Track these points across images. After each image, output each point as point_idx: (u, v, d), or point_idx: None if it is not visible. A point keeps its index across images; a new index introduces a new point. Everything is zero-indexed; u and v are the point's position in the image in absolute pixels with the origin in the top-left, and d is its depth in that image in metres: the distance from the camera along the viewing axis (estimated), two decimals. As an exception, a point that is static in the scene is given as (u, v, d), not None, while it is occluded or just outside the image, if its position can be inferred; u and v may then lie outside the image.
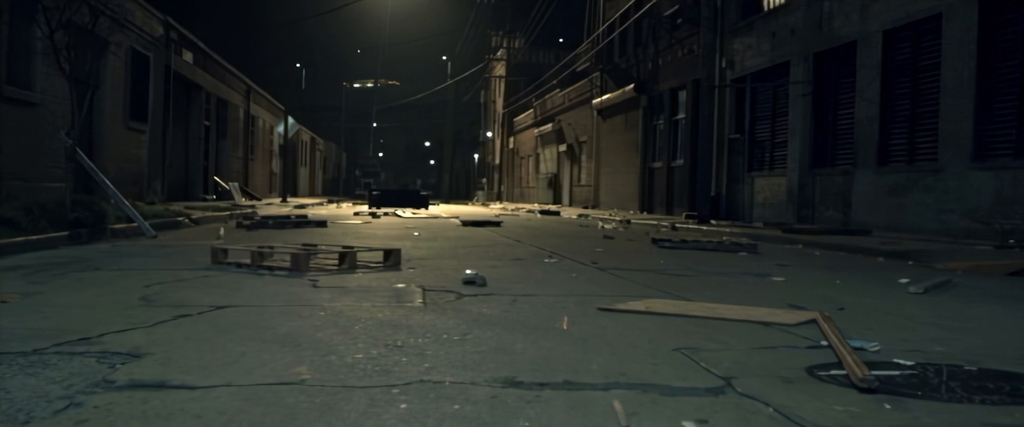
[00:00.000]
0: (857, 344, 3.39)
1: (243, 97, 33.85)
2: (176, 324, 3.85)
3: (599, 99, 32.57)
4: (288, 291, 5.18)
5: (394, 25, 75.35)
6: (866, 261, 9.57)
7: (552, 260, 8.04)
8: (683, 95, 25.09)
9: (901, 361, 3.13)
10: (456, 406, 2.41)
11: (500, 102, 57.10)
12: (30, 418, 2.24)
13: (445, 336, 3.60)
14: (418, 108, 78.81)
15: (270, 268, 6.60)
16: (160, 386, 2.62)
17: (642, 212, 26.80)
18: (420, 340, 3.49)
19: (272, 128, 41.24)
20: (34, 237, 8.89)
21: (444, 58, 77.96)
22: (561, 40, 48.00)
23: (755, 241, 12.14)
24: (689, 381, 2.77)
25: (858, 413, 2.41)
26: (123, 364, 2.94)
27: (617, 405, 2.37)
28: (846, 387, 2.72)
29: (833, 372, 2.91)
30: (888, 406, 2.48)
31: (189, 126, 26.37)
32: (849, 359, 2.91)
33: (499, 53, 56.94)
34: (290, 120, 39.28)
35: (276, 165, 42.52)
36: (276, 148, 42.48)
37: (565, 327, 3.85)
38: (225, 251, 7.21)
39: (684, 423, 2.22)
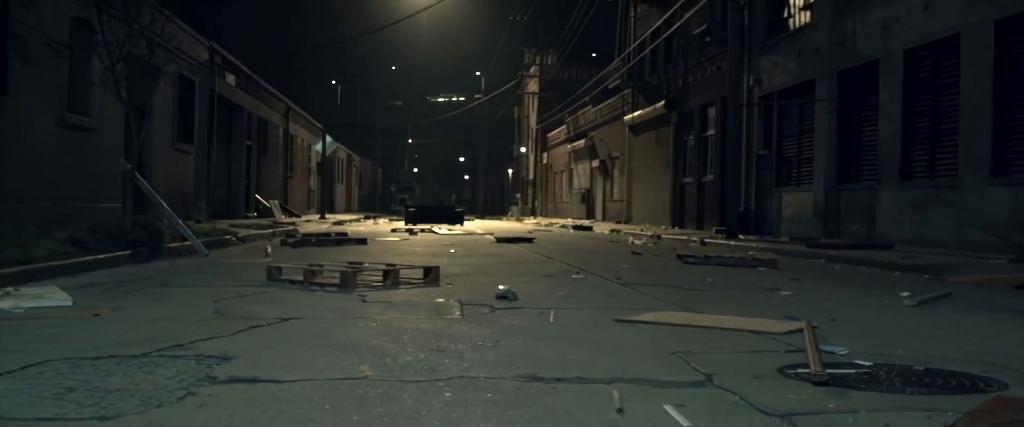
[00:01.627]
0: (828, 349, 3.97)
1: (282, 116, 34.89)
2: (251, 333, 4.52)
3: (631, 115, 33.13)
4: (341, 305, 5.85)
5: (429, 42, 76.57)
6: (882, 275, 10.03)
7: (579, 276, 8.67)
8: (712, 111, 25.58)
9: (861, 362, 3.72)
10: (488, 395, 3.06)
11: (533, 118, 57.83)
12: (161, 403, 2.91)
13: (480, 343, 4.25)
14: (453, 124, 79.82)
15: (321, 284, 7.28)
16: (254, 381, 3.29)
17: (673, 227, 27.27)
18: (459, 346, 4.14)
19: (310, 146, 42.29)
20: (101, 256, 9.67)
21: (478, 74, 78.98)
22: (594, 54, 48.56)
23: (779, 256, 12.63)
24: (678, 377, 3.40)
25: (806, 400, 3.03)
26: (218, 364, 3.61)
27: (615, 393, 3.00)
28: (804, 382, 3.32)
29: (799, 370, 3.51)
30: (832, 395, 3.08)
31: (232, 146, 27.35)
32: (812, 358, 3.49)
33: (532, 69, 57.73)
34: (328, 138, 40.30)
35: (314, 182, 43.55)
36: (314, 165, 43.52)
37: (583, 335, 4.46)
38: (279, 269, 7.90)
39: (665, 406, 2.85)
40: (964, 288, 8.38)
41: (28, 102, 12.63)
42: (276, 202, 31.27)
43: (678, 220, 27.99)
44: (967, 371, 3.59)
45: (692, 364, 3.66)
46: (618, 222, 33.26)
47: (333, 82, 68.85)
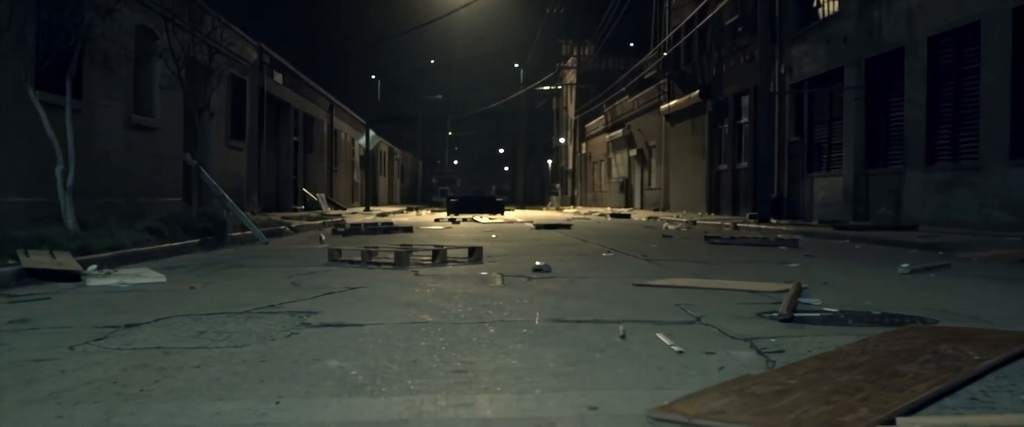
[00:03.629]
0: (806, 301, 4.76)
1: (327, 112, 36.03)
2: (327, 298, 5.42)
3: (666, 105, 33.76)
4: (399, 277, 6.75)
5: (468, 35, 77.57)
6: (898, 252, 10.66)
7: (609, 255, 9.50)
8: (746, 100, 26.14)
9: (829, 309, 4.52)
10: (523, 331, 3.95)
11: (572, 108, 58.54)
12: (274, 338, 3.81)
13: (517, 301, 5.13)
14: (492, 116, 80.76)
15: (378, 263, 8.18)
16: (340, 325, 4.19)
17: (709, 213, 27.89)
18: (500, 303, 5.02)
19: (353, 140, 43.45)
20: (176, 243, 10.69)
21: (516, 66, 79.70)
22: (632, 44, 49.03)
23: (805, 238, 13.28)
24: (674, 318, 4.24)
25: (769, 331, 3.87)
26: (308, 316, 4.51)
27: (621, 327, 3.85)
28: (774, 321, 4.14)
29: (773, 314, 4.32)
30: (791, 328, 3.90)
31: (280, 141, 28.48)
32: (785, 304, 4.29)
33: (569, 61, 58.43)
34: (371, 132, 41.42)
35: (357, 175, 44.73)
36: (357, 159, 44.69)
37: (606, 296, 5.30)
38: (339, 251, 8.83)
39: (658, 334, 3.69)
40: (970, 262, 8.99)
41: (100, 105, 13.72)
42: (322, 195, 32.40)
43: (714, 207, 28.60)
44: (916, 315, 4.36)
45: (689, 311, 4.50)
46: (656, 210, 33.92)
47: (373, 77, 70.08)
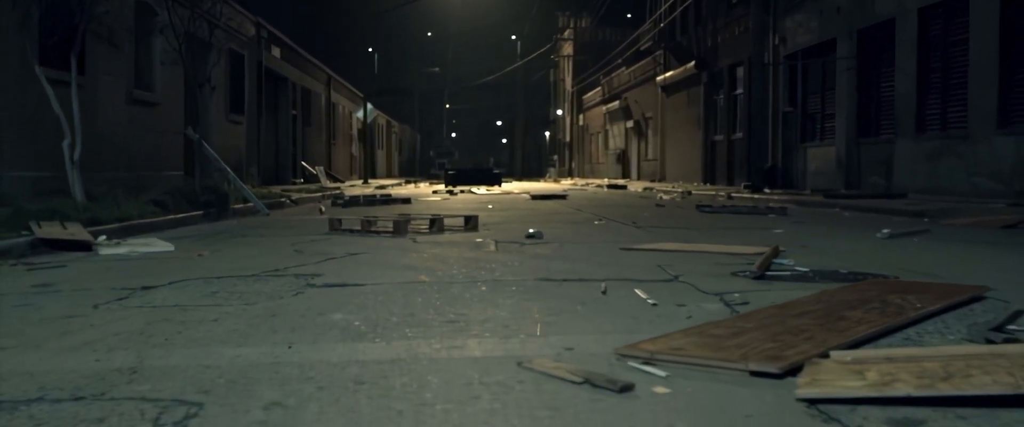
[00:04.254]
0: (780, 261, 5.06)
1: (324, 86, 36.19)
2: (330, 262, 5.73)
3: (662, 76, 33.93)
4: (397, 244, 7.06)
5: (465, 6, 77.34)
6: (884, 219, 10.95)
7: (600, 223, 9.81)
8: (741, 71, 26.35)
9: (800, 269, 4.83)
10: (513, 288, 4.27)
11: (569, 81, 58.62)
12: (282, 296, 4.13)
13: (509, 263, 5.44)
14: (489, 88, 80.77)
15: (377, 232, 8.48)
16: (343, 285, 4.51)
17: (705, 184, 28.18)
18: (493, 265, 5.34)
19: (351, 113, 43.61)
20: (180, 215, 10.98)
21: (513, 38, 79.57)
22: (628, 16, 49.00)
23: (796, 206, 13.58)
24: (653, 277, 4.56)
25: (739, 287, 4.19)
26: (312, 278, 4.82)
27: (603, 285, 4.16)
28: (746, 279, 4.45)
29: (746, 273, 4.62)
30: (760, 284, 4.21)
31: (278, 115, 28.70)
32: (758, 264, 4.60)
33: (566, 33, 58.43)
34: (368, 106, 41.55)
35: (356, 148, 44.94)
36: (355, 132, 44.88)
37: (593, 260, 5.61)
38: (339, 221, 9.12)
39: (636, 290, 4.00)
40: (952, 228, 9.27)
41: (103, 81, 13.95)
42: (321, 168, 32.65)
43: (709, 177, 28.89)
44: (881, 273, 4.67)
45: (668, 271, 4.82)
46: (652, 181, 34.19)
47: (370, 50, 70.02)
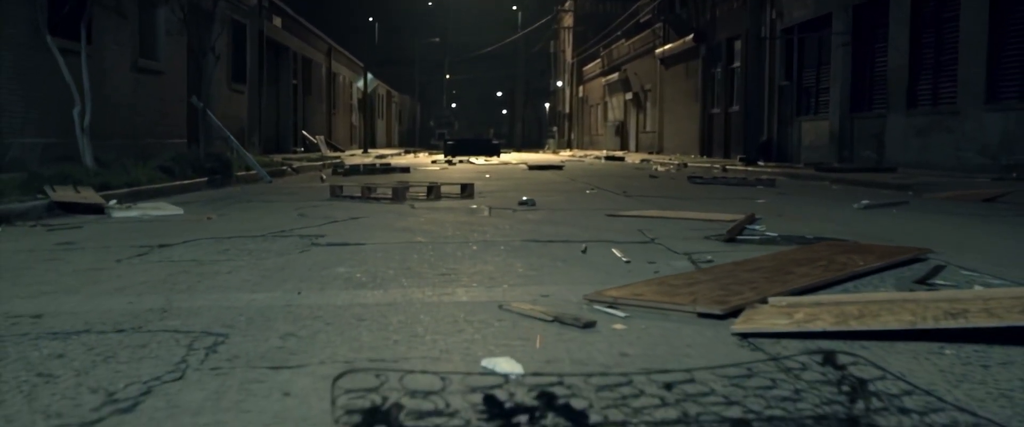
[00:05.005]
0: (753, 227, 5.43)
1: (325, 55, 36.39)
2: (332, 225, 6.10)
3: (662, 49, 34.14)
4: (396, 209, 7.44)
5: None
6: (869, 192, 11.30)
7: (592, 192, 10.19)
8: (738, 45, 26.58)
9: (770, 234, 5.20)
10: (502, 248, 4.65)
11: (569, 52, 58.70)
12: (289, 253, 4.50)
13: (500, 227, 5.84)
14: (490, 59, 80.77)
15: (376, 199, 8.85)
16: (344, 244, 4.89)
17: (702, 156, 28.50)
18: (485, 228, 5.72)
19: (351, 83, 43.81)
20: (185, 181, 11.35)
21: (514, 8, 79.39)
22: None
23: (787, 178, 13.91)
24: (632, 238, 4.94)
25: (708, 248, 4.56)
26: (316, 239, 5.20)
27: (584, 245, 4.54)
28: (716, 241, 4.82)
29: (719, 236, 4.99)
30: (729, 246, 4.58)
31: (279, 85, 28.95)
32: (730, 229, 4.96)
33: (567, 4, 58.43)
34: (368, 75, 41.76)
35: (356, 118, 45.18)
36: (355, 102, 45.11)
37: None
38: (341, 188, 9.49)
39: (613, 249, 4.37)
40: (932, 201, 9.60)
41: (110, 50, 14.24)
42: (322, 137, 32.94)
43: (706, 150, 29.21)
44: (843, 238, 5.04)
45: (646, 234, 5.21)
46: (650, 153, 34.49)
47: (371, 20, 69.94)
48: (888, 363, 2.16)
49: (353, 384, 2.02)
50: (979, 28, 14.49)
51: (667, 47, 33.26)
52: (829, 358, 2.16)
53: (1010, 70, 14.04)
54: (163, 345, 2.44)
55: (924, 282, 3.14)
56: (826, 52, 20.71)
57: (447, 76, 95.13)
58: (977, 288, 3.10)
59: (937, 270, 3.31)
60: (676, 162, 22.80)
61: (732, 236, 4.82)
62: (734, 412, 1.75)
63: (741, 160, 21.47)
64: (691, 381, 1.99)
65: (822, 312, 2.52)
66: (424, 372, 2.12)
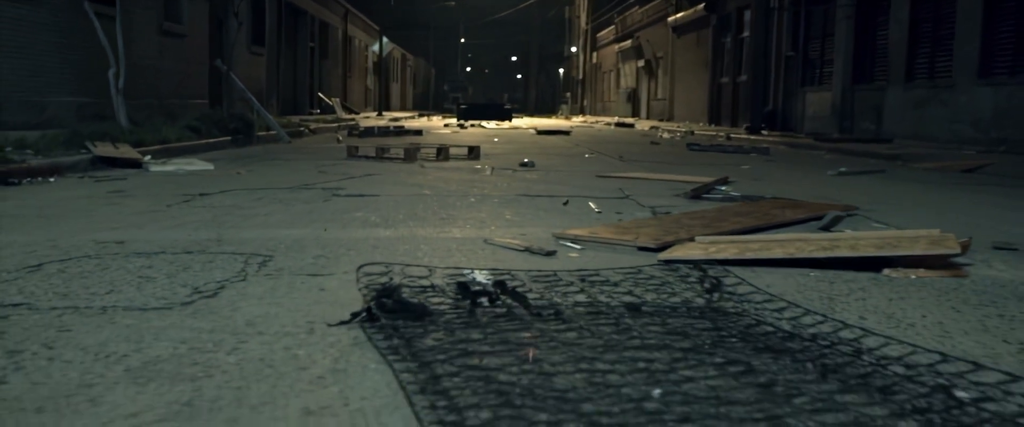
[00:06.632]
0: (722, 188, 6.15)
1: (341, 19, 37.01)
2: (349, 180, 6.87)
3: (674, 17, 34.57)
4: (407, 168, 8.20)
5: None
6: (858, 161, 11.94)
7: (591, 156, 10.91)
8: (748, 14, 27.03)
9: (734, 194, 5.93)
10: (495, 200, 5.43)
11: (584, 17, 58.98)
12: (315, 202, 5.29)
13: (498, 184, 6.61)
14: (505, 24, 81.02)
15: (390, 159, 9.60)
16: (361, 195, 5.67)
17: (710, 125, 29.07)
18: (485, 185, 6.49)
19: (367, 47, 44.42)
20: (211, 140, 12.12)
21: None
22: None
23: (785, 147, 14.54)
24: (610, 195, 5.70)
25: (674, 203, 5.30)
26: (336, 191, 5.98)
27: (566, 199, 5.29)
28: (683, 198, 5.55)
29: (685, 192, 5.72)
30: (692, 202, 5.33)
31: (297, 48, 29.64)
32: (697, 188, 5.69)
33: (582, -30, 58.63)
34: (384, 39, 42.36)
35: (371, 81, 45.85)
36: (371, 66, 45.75)
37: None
38: (356, 148, 10.24)
39: (590, 202, 5.12)
40: (913, 170, 10.22)
41: (137, 13, 14.97)
42: (337, 100, 33.68)
43: (715, 118, 29.77)
44: (800, 198, 5.75)
45: (624, 191, 5.97)
46: (660, 121, 35.06)
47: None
48: (760, 280, 2.91)
49: (370, 271, 2.80)
50: (975, 4, 15.01)
51: (679, 15, 33.70)
52: (702, 270, 2.91)
53: (1004, 46, 14.59)
54: (225, 261, 3.21)
55: (827, 229, 3.85)
56: (831, 23, 21.21)
57: (462, 40, 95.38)
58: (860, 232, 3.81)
59: (837, 220, 4.03)
60: (683, 130, 23.42)
61: (697, 194, 5.54)
62: (628, 298, 2.50)
63: (746, 129, 22.07)
64: (605, 281, 2.75)
65: (730, 247, 3.24)
66: (418, 265, 2.90)
